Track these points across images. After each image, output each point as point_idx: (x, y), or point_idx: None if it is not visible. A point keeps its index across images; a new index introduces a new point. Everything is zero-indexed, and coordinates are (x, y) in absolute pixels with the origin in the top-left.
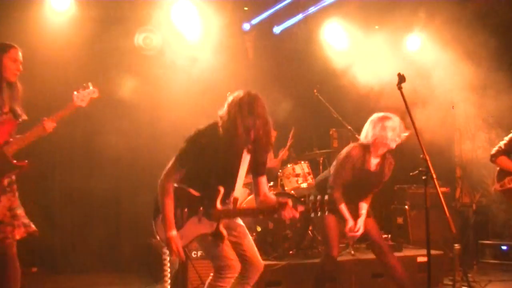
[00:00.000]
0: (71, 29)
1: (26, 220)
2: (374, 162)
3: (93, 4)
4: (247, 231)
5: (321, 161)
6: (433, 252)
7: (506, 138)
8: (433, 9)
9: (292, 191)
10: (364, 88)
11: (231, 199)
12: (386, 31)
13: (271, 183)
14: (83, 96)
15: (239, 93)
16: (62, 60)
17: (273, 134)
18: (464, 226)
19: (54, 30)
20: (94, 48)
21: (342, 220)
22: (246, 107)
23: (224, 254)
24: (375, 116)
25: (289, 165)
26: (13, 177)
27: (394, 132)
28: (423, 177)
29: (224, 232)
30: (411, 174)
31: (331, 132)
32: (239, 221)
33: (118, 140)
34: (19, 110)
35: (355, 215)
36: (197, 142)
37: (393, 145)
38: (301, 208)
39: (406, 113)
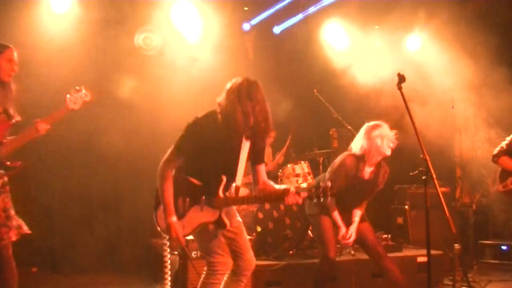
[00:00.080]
0: (71, 29)
1: (19, 222)
2: (368, 170)
3: (93, 4)
4: (243, 227)
5: (321, 161)
6: (433, 252)
7: (508, 138)
8: (433, 9)
9: None
10: (364, 88)
11: (233, 188)
12: (386, 31)
13: (271, 183)
14: (76, 99)
15: (237, 79)
16: (62, 60)
17: (272, 134)
18: (464, 226)
19: (54, 30)
20: (94, 48)
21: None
22: (245, 92)
23: (216, 250)
24: (366, 126)
25: (289, 165)
26: (6, 178)
27: (387, 139)
28: (423, 177)
29: (227, 220)
30: (411, 174)
31: (331, 132)
32: (237, 217)
33: (118, 140)
34: (12, 111)
35: (349, 222)
36: (195, 129)
37: (388, 153)
38: (304, 194)
39: (406, 113)
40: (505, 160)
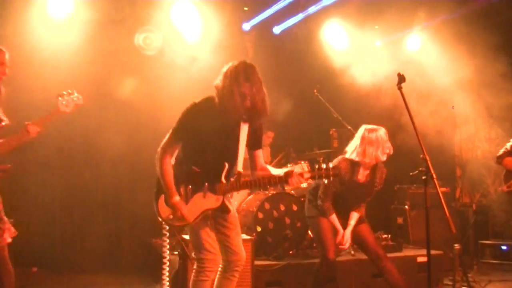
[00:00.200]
0: (71, 29)
1: (9, 224)
2: (364, 173)
3: (93, 4)
4: (238, 224)
5: (321, 161)
6: (433, 252)
7: None
8: (433, 8)
9: (292, 191)
10: (364, 88)
11: (234, 174)
12: (386, 31)
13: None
14: (68, 102)
15: (234, 62)
16: (62, 61)
17: (270, 135)
18: (464, 226)
19: (54, 30)
20: (94, 48)
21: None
22: (242, 74)
23: (207, 247)
24: (363, 130)
25: (289, 165)
26: None
27: (382, 145)
28: (423, 177)
29: (230, 206)
30: (411, 174)
31: (331, 132)
32: (234, 213)
33: (118, 140)
34: (1, 114)
35: (346, 226)
36: (193, 113)
37: (383, 158)
38: (307, 175)
39: (406, 113)
40: (509, 161)
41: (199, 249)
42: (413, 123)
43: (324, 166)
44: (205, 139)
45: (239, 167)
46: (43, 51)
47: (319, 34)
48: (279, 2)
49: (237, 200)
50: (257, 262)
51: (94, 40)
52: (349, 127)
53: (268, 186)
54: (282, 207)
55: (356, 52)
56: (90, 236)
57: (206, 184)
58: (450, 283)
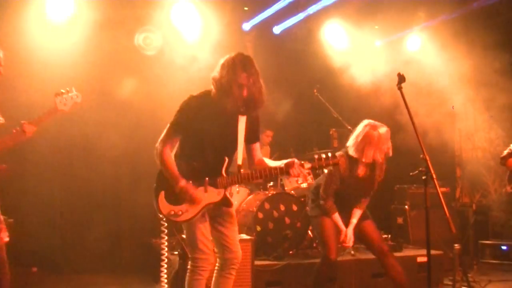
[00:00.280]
0: (71, 29)
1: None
2: (363, 168)
3: (93, 4)
4: (235, 222)
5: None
6: (433, 252)
7: None
8: (433, 8)
9: (292, 191)
10: (364, 88)
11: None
12: (386, 31)
13: (271, 183)
14: (66, 100)
15: (231, 54)
16: (62, 60)
17: (269, 134)
18: (464, 226)
19: (54, 30)
20: (94, 48)
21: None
22: (239, 64)
23: (201, 248)
24: (366, 125)
25: None
26: None
27: (383, 144)
28: (423, 177)
29: (232, 199)
30: (411, 174)
31: (331, 132)
32: (232, 210)
33: (118, 140)
34: None
35: (348, 223)
36: (190, 105)
37: (380, 159)
38: (308, 165)
39: (406, 113)
40: None
41: (193, 248)
42: (413, 123)
43: (323, 156)
44: (204, 132)
45: (239, 160)
46: (43, 51)
47: (319, 34)
48: (279, 2)
49: (237, 200)
50: (257, 262)
51: (94, 40)
52: (349, 127)
53: (269, 177)
54: (282, 207)
55: (356, 52)
56: (90, 236)
57: (207, 178)
58: (450, 283)
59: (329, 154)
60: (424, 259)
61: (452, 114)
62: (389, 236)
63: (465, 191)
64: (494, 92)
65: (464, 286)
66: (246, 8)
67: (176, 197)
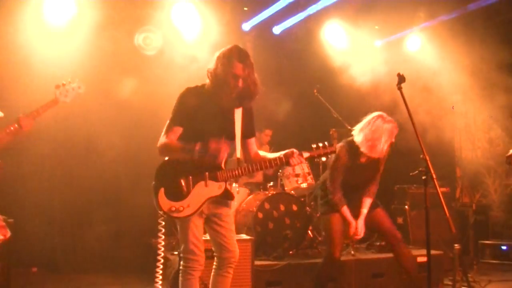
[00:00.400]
0: (71, 29)
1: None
2: (365, 156)
3: (93, 4)
4: (232, 220)
5: (321, 161)
6: (433, 252)
7: None
8: (433, 8)
9: (292, 191)
10: (364, 88)
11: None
12: (386, 31)
13: (271, 183)
14: (67, 91)
15: (226, 46)
16: (62, 60)
17: (268, 133)
18: (464, 226)
19: (54, 30)
20: (94, 48)
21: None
22: (235, 55)
23: (192, 249)
24: (377, 117)
25: None
26: None
27: (392, 136)
28: (423, 177)
29: (234, 192)
30: (411, 174)
31: (331, 132)
32: (229, 210)
33: (118, 140)
34: None
35: (358, 214)
36: (187, 96)
37: (384, 150)
38: (306, 154)
39: (406, 113)
40: None
41: (184, 248)
42: (413, 123)
43: (320, 145)
44: (201, 123)
45: (238, 153)
46: (43, 51)
47: (319, 34)
48: (279, 2)
49: (237, 200)
50: (257, 262)
51: (94, 40)
52: (349, 127)
53: (269, 168)
54: (282, 207)
55: (355, 52)
56: (90, 236)
57: (207, 173)
58: (450, 283)
59: (326, 143)
60: (424, 259)
61: (452, 114)
62: None
63: (465, 191)
64: (494, 92)
65: (464, 286)
66: (246, 8)
67: (176, 193)
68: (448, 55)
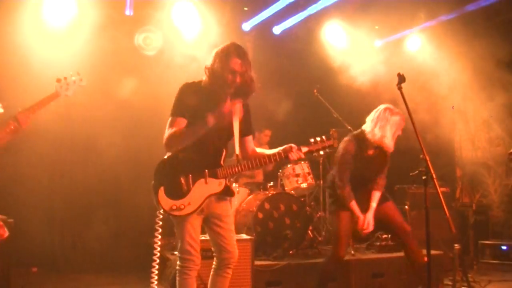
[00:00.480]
0: (71, 29)
1: None
2: (372, 148)
3: (93, 4)
4: (232, 221)
5: (321, 161)
6: (433, 252)
7: None
8: (433, 8)
9: (292, 191)
10: (364, 88)
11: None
12: (386, 31)
13: (271, 183)
14: (67, 84)
15: (224, 43)
16: (61, 60)
17: (268, 133)
18: (464, 226)
19: (54, 30)
20: (94, 48)
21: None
22: (234, 52)
23: (188, 250)
24: (383, 110)
25: (289, 165)
26: None
27: (399, 128)
28: (423, 177)
29: (234, 189)
30: (411, 174)
31: (331, 132)
32: (229, 211)
33: (118, 140)
34: None
35: (367, 208)
36: (186, 91)
37: (388, 144)
38: (305, 148)
39: (406, 113)
40: None
41: (180, 248)
42: (413, 123)
43: (318, 139)
44: (200, 119)
45: (237, 150)
46: (43, 50)
47: (319, 34)
48: (279, 2)
49: (237, 200)
50: (257, 262)
51: (94, 40)
52: (349, 127)
53: (269, 164)
54: (282, 207)
55: (355, 52)
56: (90, 236)
57: (206, 171)
58: (450, 283)
59: (323, 137)
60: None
61: (452, 114)
62: (389, 236)
63: (465, 191)
64: (494, 92)
65: (464, 286)
66: (246, 8)
67: (176, 192)
68: (448, 55)
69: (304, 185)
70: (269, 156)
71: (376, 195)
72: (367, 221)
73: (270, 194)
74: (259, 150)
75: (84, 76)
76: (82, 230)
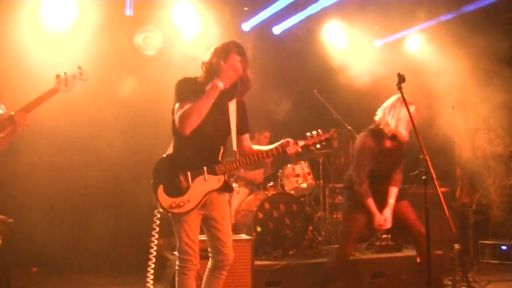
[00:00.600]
0: (71, 29)
1: None
2: (389, 140)
3: (93, 4)
4: (229, 223)
5: (321, 161)
6: (433, 252)
7: None
8: (433, 8)
9: (292, 191)
10: (364, 88)
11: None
12: (386, 31)
13: (271, 183)
14: (66, 79)
15: (223, 40)
16: (61, 60)
17: (267, 135)
18: (464, 226)
19: (54, 30)
20: (94, 48)
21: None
22: (233, 48)
23: (187, 250)
24: (396, 99)
25: (289, 165)
26: None
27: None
28: (423, 177)
29: (233, 184)
30: (411, 174)
31: (331, 132)
32: (227, 214)
33: (118, 140)
34: None
35: (384, 204)
36: (182, 82)
37: (403, 133)
38: (301, 142)
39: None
40: None
41: (178, 248)
42: (413, 123)
43: (315, 132)
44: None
45: (234, 146)
46: (43, 50)
47: (319, 34)
48: (279, 2)
49: (237, 200)
50: (257, 262)
51: (94, 40)
52: (349, 127)
53: (267, 158)
54: (282, 207)
55: (355, 52)
56: (90, 236)
57: (205, 167)
58: (450, 283)
59: (319, 130)
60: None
61: (452, 113)
62: (389, 236)
63: (465, 191)
64: (494, 92)
65: (464, 286)
66: (245, 8)
67: (176, 189)
68: (448, 55)
69: (304, 185)
70: (266, 151)
71: (393, 191)
72: (385, 217)
73: (270, 194)
74: (255, 147)
75: (86, 70)
76: (82, 230)
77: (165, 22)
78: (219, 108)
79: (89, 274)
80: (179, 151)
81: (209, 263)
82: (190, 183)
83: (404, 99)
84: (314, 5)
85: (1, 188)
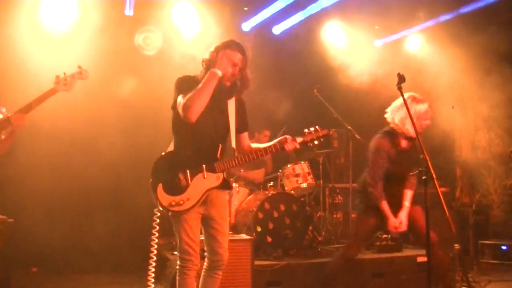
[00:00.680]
0: (71, 29)
1: None
2: (404, 140)
3: (93, 4)
4: (227, 225)
5: (321, 161)
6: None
7: None
8: (433, 8)
9: (292, 191)
10: (364, 88)
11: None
12: (386, 31)
13: (271, 183)
14: (65, 79)
15: (223, 39)
16: (61, 60)
17: (267, 134)
18: (464, 226)
19: (54, 30)
20: (94, 48)
21: (383, 223)
22: (235, 46)
23: (185, 248)
24: (407, 97)
25: (289, 165)
26: None
27: (425, 117)
28: (423, 177)
29: (232, 182)
30: (411, 174)
31: (331, 132)
32: (226, 215)
33: (118, 140)
34: None
35: (399, 207)
36: (181, 80)
37: (413, 133)
38: (299, 139)
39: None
40: None
41: (179, 248)
42: (413, 123)
43: (312, 129)
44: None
45: (233, 143)
46: (43, 50)
47: (319, 34)
48: (279, 2)
49: (237, 200)
50: (257, 262)
51: (94, 40)
52: (349, 127)
53: (265, 155)
54: (282, 207)
55: (355, 52)
56: (90, 236)
57: (204, 165)
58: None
59: (317, 127)
60: (424, 259)
61: (452, 113)
62: (389, 236)
63: (465, 191)
64: (494, 91)
65: (464, 286)
66: (245, 8)
67: (175, 188)
68: (447, 55)
69: (304, 185)
70: (265, 148)
71: (408, 194)
72: (400, 220)
73: (270, 194)
74: (254, 145)
75: (85, 69)
76: (82, 230)
77: (165, 22)
78: (219, 107)
79: (89, 274)
80: (178, 149)
81: (205, 263)
82: (190, 181)
83: (404, 99)
84: (314, 5)
85: (1, 188)
